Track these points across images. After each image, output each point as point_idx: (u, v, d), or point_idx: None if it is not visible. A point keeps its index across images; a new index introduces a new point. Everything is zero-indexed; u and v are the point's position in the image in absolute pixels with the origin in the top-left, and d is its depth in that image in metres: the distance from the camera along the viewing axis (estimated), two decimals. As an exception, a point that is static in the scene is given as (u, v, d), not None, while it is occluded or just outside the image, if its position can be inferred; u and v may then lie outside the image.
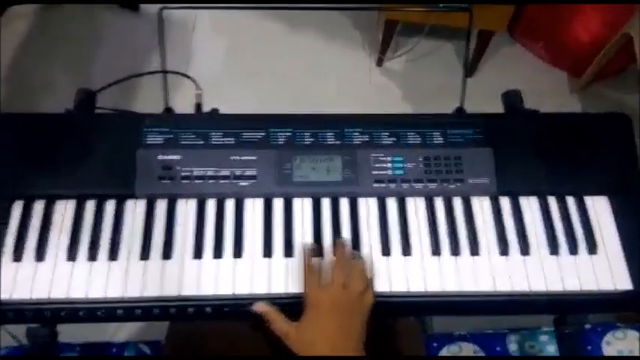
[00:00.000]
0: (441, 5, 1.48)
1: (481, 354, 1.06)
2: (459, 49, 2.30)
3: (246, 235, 0.89)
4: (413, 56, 2.26)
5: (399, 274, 0.87)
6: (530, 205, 0.92)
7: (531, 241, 0.89)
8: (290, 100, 2.10)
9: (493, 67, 2.25)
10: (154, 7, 2.22)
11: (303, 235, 0.89)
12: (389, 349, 1.00)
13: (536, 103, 1.02)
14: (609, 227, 0.91)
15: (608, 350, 1.04)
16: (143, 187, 0.89)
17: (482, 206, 0.92)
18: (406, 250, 0.88)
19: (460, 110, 1.06)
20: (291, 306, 0.83)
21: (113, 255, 0.86)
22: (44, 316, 0.84)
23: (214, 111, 1.02)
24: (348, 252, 0.85)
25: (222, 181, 0.90)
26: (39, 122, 0.92)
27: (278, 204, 0.91)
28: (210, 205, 0.90)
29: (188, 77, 1.11)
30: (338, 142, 0.94)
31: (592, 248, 0.89)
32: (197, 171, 0.90)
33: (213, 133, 0.93)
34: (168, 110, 1.05)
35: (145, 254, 0.86)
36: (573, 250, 0.89)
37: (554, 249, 0.88)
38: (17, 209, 0.88)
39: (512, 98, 1.04)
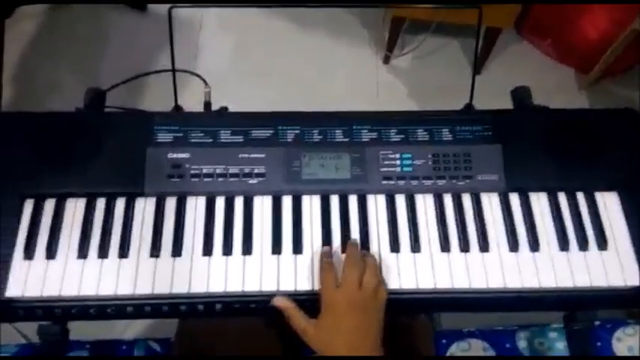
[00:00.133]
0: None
1: (490, 351, 1.06)
2: (465, 46, 2.30)
3: (256, 232, 0.89)
4: (419, 54, 2.26)
5: (408, 271, 0.87)
6: (539, 202, 0.92)
7: (541, 237, 0.89)
8: (297, 98, 2.11)
9: (500, 65, 2.25)
10: (161, 7, 2.22)
11: (312, 232, 0.89)
12: (399, 346, 1.00)
13: (544, 100, 1.02)
14: (619, 223, 0.90)
15: (618, 347, 1.04)
16: (153, 186, 0.90)
17: (491, 203, 0.92)
18: (415, 247, 0.88)
19: (469, 107, 1.06)
20: (301, 302, 0.83)
21: (123, 253, 0.86)
22: (55, 313, 0.84)
23: (223, 109, 1.02)
24: (358, 251, 0.85)
25: (231, 179, 0.91)
26: (49, 121, 0.93)
27: (287, 202, 0.91)
28: (220, 203, 0.91)
29: (197, 75, 1.11)
30: (346, 140, 0.94)
31: (602, 244, 0.88)
32: (206, 169, 0.91)
33: (222, 131, 0.93)
34: (177, 108, 1.05)
35: (154, 252, 0.86)
36: (583, 246, 0.88)
37: (564, 245, 0.88)
38: (28, 208, 0.88)
39: (521, 94, 1.03)
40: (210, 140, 0.93)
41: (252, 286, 0.85)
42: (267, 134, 0.94)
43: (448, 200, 0.92)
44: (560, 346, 1.05)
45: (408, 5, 1.97)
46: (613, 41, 1.96)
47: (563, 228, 0.89)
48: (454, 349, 1.07)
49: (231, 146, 0.92)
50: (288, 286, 0.85)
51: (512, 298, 0.87)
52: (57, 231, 0.87)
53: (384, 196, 0.92)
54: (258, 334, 1.02)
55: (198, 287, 0.85)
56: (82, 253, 0.86)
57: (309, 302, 0.83)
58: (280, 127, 0.94)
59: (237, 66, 2.23)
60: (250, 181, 0.91)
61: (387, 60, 2.25)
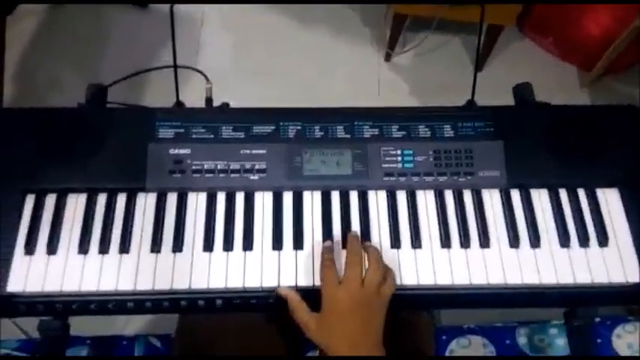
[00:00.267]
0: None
1: (490, 347, 1.06)
2: (467, 43, 2.29)
3: (256, 228, 0.89)
4: (421, 51, 2.26)
5: (409, 267, 0.87)
6: (540, 198, 0.92)
7: (542, 233, 0.89)
8: (299, 96, 2.10)
9: (502, 62, 2.24)
10: (162, 3, 2.22)
11: (312, 228, 0.90)
12: (400, 343, 1.00)
13: (546, 97, 1.02)
14: (620, 220, 0.90)
15: (618, 343, 1.04)
16: (154, 181, 0.90)
17: (492, 199, 0.92)
18: (416, 243, 0.88)
19: (470, 103, 1.06)
20: (302, 297, 0.83)
21: (124, 248, 0.86)
22: (56, 308, 0.84)
23: (225, 105, 1.02)
24: (359, 245, 0.85)
25: (232, 175, 0.91)
26: (51, 117, 0.93)
27: (288, 197, 0.91)
28: (221, 199, 0.91)
29: (198, 71, 1.11)
30: (348, 136, 0.94)
31: (603, 241, 0.88)
32: (207, 165, 0.91)
33: (224, 127, 0.93)
34: (179, 104, 1.05)
35: (155, 247, 0.87)
36: (584, 242, 0.88)
37: (565, 241, 0.88)
38: (29, 203, 0.89)
39: (522, 91, 1.03)
40: (212, 136, 0.93)
41: (252, 281, 0.85)
42: (269, 130, 0.94)
43: (449, 196, 0.92)
44: (561, 343, 1.05)
45: (410, 2, 1.96)
46: (615, 38, 1.96)
47: (564, 224, 0.90)
48: (454, 346, 1.07)
49: (233, 142, 0.92)
50: (288, 281, 0.85)
51: (512, 294, 0.87)
52: (58, 226, 0.87)
53: (385, 192, 0.92)
54: (259, 329, 1.02)
55: (199, 283, 0.85)
56: (83, 248, 0.86)
57: (309, 298, 0.83)
58: (282, 123, 0.94)
59: (239, 63, 2.23)
60: (251, 177, 0.91)
61: (388, 57, 2.25)
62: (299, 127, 0.94)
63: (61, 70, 2.16)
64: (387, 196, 0.92)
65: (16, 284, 0.83)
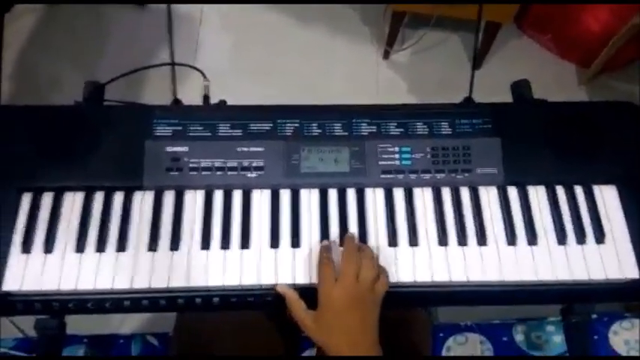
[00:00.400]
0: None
1: (487, 344, 1.06)
2: (465, 40, 2.29)
3: (254, 226, 0.89)
4: (419, 48, 2.26)
5: (406, 265, 0.87)
6: (538, 195, 0.92)
7: (539, 230, 0.89)
8: (297, 94, 2.10)
9: (500, 59, 2.24)
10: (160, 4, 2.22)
11: (310, 226, 0.89)
12: (397, 340, 1.00)
13: (544, 95, 1.02)
14: (617, 216, 0.90)
15: (614, 340, 1.04)
16: (151, 179, 0.90)
17: (489, 196, 0.92)
18: (413, 240, 0.88)
19: (468, 100, 1.06)
20: (299, 295, 0.83)
21: (121, 246, 0.86)
22: (53, 307, 0.84)
23: (222, 102, 1.02)
24: (355, 244, 0.85)
25: (229, 173, 0.90)
26: (48, 114, 0.93)
27: (285, 195, 0.91)
28: (218, 197, 0.91)
29: (195, 69, 1.11)
30: (345, 133, 0.94)
31: (600, 237, 0.88)
32: (205, 162, 0.91)
33: (221, 125, 0.93)
34: (176, 102, 1.05)
35: (152, 245, 0.86)
36: (581, 239, 0.88)
37: (562, 238, 0.88)
38: (26, 201, 0.88)
39: (520, 88, 1.03)
40: (209, 133, 0.92)
41: (250, 279, 0.85)
42: (266, 128, 0.93)
43: (447, 194, 0.92)
44: (557, 340, 1.06)
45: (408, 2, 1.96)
46: (614, 35, 1.96)
47: (561, 221, 0.89)
48: (451, 343, 1.07)
49: (230, 140, 0.92)
50: (286, 279, 0.85)
51: (509, 291, 0.87)
52: (55, 225, 0.87)
53: (382, 189, 0.92)
54: (257, 327, 1.02)
55: (196, 281, 0.85)
56: (80, 246, 0.86)
57: (307, 295, 0.83)
58: (279, 121, 0.94)
59: (237, 62, 2.23)
60: (249, 175, 0.91)
61: (387, 55, 2.25)
62: (296, 125, 0.94)
63: (59, 69, 2.16)
64: (385, 193, 0.92)
65: (12, 283, 0.83)
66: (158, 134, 0.92)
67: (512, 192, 0.92)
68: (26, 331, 1.04)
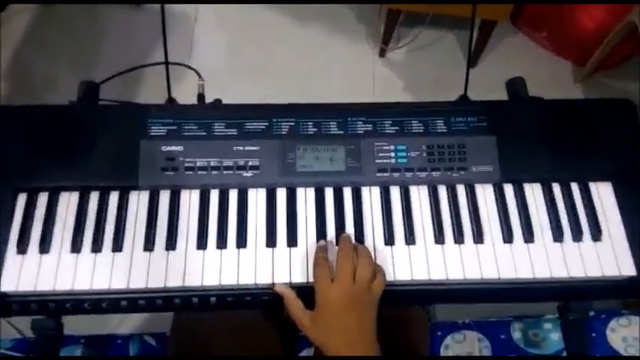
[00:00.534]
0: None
1: (485, 342, 1.06)
2: (461, 38, 2.29)
3: (250, 225, 0.89)
4: (415, 47, 2.26)
5: (402, 263, 0.87)
6: (534, 192, 0.92)
7: (535, 228, 0.89)
8: (293, 93, 2.10)
9: (496, 57, 2.24)
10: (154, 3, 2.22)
11: (306, 225, 0.89)
12: (395, 339, 1.00)
13: (540, 93, 1.02)
14: (613, 213, 0.90)
15: (612, 337, 1.04)
16: (146, 179, 0.89)
17: (486, 194, 0.92)
18: (410, 239, 0.88)
19: (463, 98, 1.06)
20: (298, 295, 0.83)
21: (117, 246, 0.86)
22: (49, 307, 0.84)
23: (217, 101, 1.02)
24: (351, 244, 0.85)
25: (225, 172, 0.90)
26: (42, 114, 0.92)
27: (281, 194, 0.91)
28: (214, 196, 0.90)
29: (190, 68, 1.10)
30: (341, 132, 0.93)
31: (596, 235, 0.89)
32: (200, 162, 0.90)
33: (216, 124, 0.93)
34: (171, 101, 1.05)
35: (148, 245, 0.86)
36: (577, 236, 0.88)
37: (558, 236, 0.88)
38: (21, 202, 0.88)
39: (516, 85, 1.03)
40: (204, 133, 0.92)
41: (246, 279, 0.85)
42: (262, 126, 0.93)
43: (443, 192, 0.92)
44: (555, 337, 1.06)
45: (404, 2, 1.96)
46: (609, 33, 1.96)
47: (557, 219, 0.90)
48: (449, 341, 1.07)
49: (225, 139, 0.92)
50: (282, 278, 0.85)
51: (506, 289, 0.87)
52: (50, 225, 0.87)
53: (378, 188, 0.92)
54: (255, 327, 1.02)
55: (193, 281, 0.84)
56: (76, 247, 0.86)
57: (304, 295, 0.83)
58: (275, 120, 0.94)
59: (232, 61, 2.23)
60: (244, 174, 0.90)
61: (382, 53, 2.25)
62: (292, 124, 0.93)
63: (54, 68, 2.15)
64: (381, 191, 0.92)
65: (8, 284, 0.83)
66: (153, 134, 0.91)
67: (509, 190, 0.92)
68: (24, 332, 1.03)
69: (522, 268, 0.86)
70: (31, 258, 0.85)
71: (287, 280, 0.85)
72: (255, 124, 0.93)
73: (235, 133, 0.92)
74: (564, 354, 1.04)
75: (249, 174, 0.90)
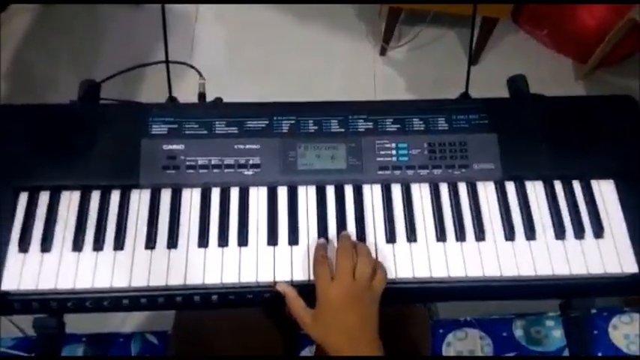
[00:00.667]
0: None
1: (487, 339, 1.06)
2: (462, 36, 2.29)
3: (251, 223, 0.89)
4: (416, 45, 2.25)
5: (404, 261, 0.87)
6: (535, 190, 0.92)
7: (537, 225, 0.89)
8: (293, 91, 2.10)
9: (497, 55, 2.24)
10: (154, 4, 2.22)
11: (307, 223, 0.89)
12: (397, 337, 1.00)
13: (541, 90, 1.02)
14: (616, 211, 0.90)
15: (614, 335, 1.04)
16: (148, 177, 0.89)
17: (487, 191, 0.91)
18: (411, 236, 0.88)
19: (465, 95, 1.06)
20: (298, 292, 0.83)
21: (118, 245, 0.86)
22: (51, 306, 0.84)
23: (218, 100, 1.02)
24: (350, 241, 0.85)
25: (226, 170, 0.90)
26: (43, 113, 0.92)
27: (282, 192, 0.91)
28: (215, 195, 0.90)
29: (191, 66, 1.10)
30: (342, 130, 0.93)
31: (598, 232, 0.88)
32: (201, 160, 0.90)
33: (217, 123, 0.93)
34: (172, 99, 1.05)
35: (150, 244, 0.86)
36: (579, 234, 0.88)
37: (560, 233, 0.88)
38: (22, 201, 0.88)
39: (517, 83, 1.03)
40: (205, 131, 0.92)
41: (248, 277, 0.85)
42: (263, 125, 0.93)
43: (444, 189, 0.92)
44: (557, 334, 1.06)
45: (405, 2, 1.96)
46: (610, 30, 1.96)
47: (559, 216, 0.89)
48: (451, 339, 1.07)
49: (226, 137, 0.92)
50: (284, 276, 0.85)
51: (508, 286, 0.87)
52: (51, 224, 0.87)
53: (380, 186, 0.92)
54: (256, 325, 1.02)
55: (194, 279, 0.84)
56: (77, 245, 0.85)
57: (306, 293, 0.83)
58: (275, 118, 0.94)
59: (233, 60, 2.23)
60: (246, 172, 0.90)
61: (383, 52, 2.25)
62: (293, 122, 0.93)
63: (55, 68, 2.15)
64: (382, 189, 0.91)
65: (10, 282, 0.83)
66: (154, 132, 0.91)
67: (510, 187, 0.92)
68: (25, 331, 1.03)
69: (524, 265, 0.86)
70: (32, 257, 0.85)
71: (288, 278, 0.85)
72: (256, 122, 0.93)
73: (236, 132, 0.92)
74: (566, 351, 1.04)
75: (250, 172, 0.90)
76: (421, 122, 0.94)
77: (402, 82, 2.21)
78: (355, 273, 0.80)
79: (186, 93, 1.10)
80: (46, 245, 0.85)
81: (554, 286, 0.87)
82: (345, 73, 2.21)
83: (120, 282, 0.84)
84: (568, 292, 0.88)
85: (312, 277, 0.84)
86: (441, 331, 1.08)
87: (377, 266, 0.83)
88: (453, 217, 0.89)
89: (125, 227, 0.87)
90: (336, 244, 0.86)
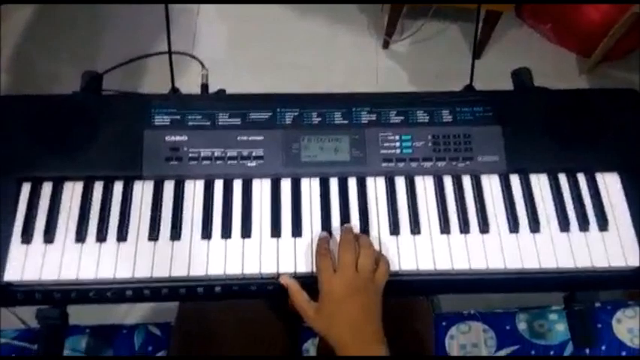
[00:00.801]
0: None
1: (490, 333, 1.06)
2: (464, 30, 2.28)
3: (255, 215, 0.88)
4: (419, 38, 2.24)
5: (408, 253, 0.86)
6: (540, 183, 0.91)
7: (541, 218, 0.88)
8: (296, 84, 2.09)
9: (500, 49, 2.23)
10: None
11: (311, 215, 0.89)
12: (400, 329, 0.99)
13: (544, 84, 1.02)
14: (620, 204, 0.90)
15: (618, 328, 1.04)
16: (150, 169, 0.89)
17: (491, 184, 0.91)
18: (415, 229, 0.88)
19: (469, 88, 1.05)
20: (301, 284, 0.83)
21: (122, 236, 0.86)
22: (54, 297, 0.84)
23: (221, 91, 1.01)
24: (352, 234, 0.85)
25: (229, 162, 0.90)
26: (46, 104, 0.92)
27: (286, 184, 0.91)
28: (218, 186, 0.90)
29: (194, 57, 1.10)
30: (346, 122, 0.93)
31: (603, 225, 0.88)
32: (204, 152, 0.90)
33: (220, 114, 0.92)
34: (174, 91, 1.04)
35: (153, 235, 0.86)
36: (584, 227, 0.88)
37: (564, 226, 0.88)
38: (25, 191, 0.88)
39: (521, 76, 1.02)
40: (208, 123, 0.92)
41: (251, 268, 0.85)
42: (266, 116, 0.93)
43: (448, 182, 0.92)
44: (561, 328, 1.05)
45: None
46: (614, 25, 1.95)
47: (563, 209, 0.89)
48: (454, 332, 1.07)
49: (230, 129, 0.92)
50: (287, 268, 0.85)
51: (512, 279, 0.87)
52: (54, 215, 0.87)
53: (383, 178, 0.91)
54: (259, 317, 1.01)
55: (198, 270, 0.84)
56: (80, 236, 0.85)
57: (309, 285, 0.83)
58: (279, 110, 0.93)
59: (235, 53, 2.22)
60: (249, 164, 0.90)
61: (386, 45, 2.24)
62: (296, 113, 0.93)
63: (57, 61, 2.15)
64: (386, 182, 0.91)
65: (13, 273, 0.83)
66: (157, 124, 0.91)
67: (515, 180, 0.92)
68: (27, 322, 1.03)
69: (528, 258, 0.86)
70: (35, 248, 0.85)
71: (292, 270, 0.85)
72: (259, 114, 0.93)
73: (239, 123, 0.92)
74: (570, 345, 1.04)
75: (253, 164, 0.90)
76: (425, 114, 0.94)
77: (405, 76, 2.21)
78: (357, 265, 0.80)
79: (188, 85, 1.09)
80: (49, 236, 0.85)
81: (559, 279, 0.87)
82: (347, 66, 2.20)
83: (123, 273, 0.84)
84: (572, 285, 0.88)
85: (315, 270, 0.83)
86: (444, 324, 1.08)
87: (379, 258, 0.83)
88: (457, 209, 0.89)
89: (128, 218, 0.87)
90: (339, 237, 0.86)
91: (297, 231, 0.87)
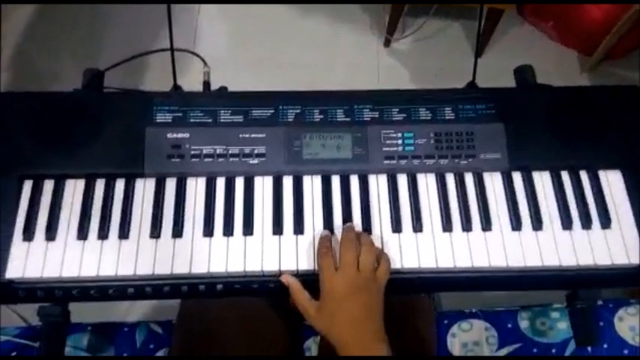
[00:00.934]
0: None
1: (492, 331, 1.06)
2: (466, 28, 2.28)
3: (256, 213, 0.88)
4: (420, 36, 2.24)
5: (410, 251, 0.86)
6: (542, 180, 0.91)
7: (544, 216, 0.88)
8: (297, 82, 2.07)
9: (502, 47, 2.22)
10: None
11: (313, 213, 0.89)
12: (401, 327, 0.99)
13: (546, 82, 1.01)
14: (623, 201, 0.90)
15: (620, 326, 1.04)
16: (152, 166, 0.89)
17: (494, 182, 0.91)
18: (417, 226, 0.88)
19: (471, 85, 1.05)
20: (302, 282, 0.83)
21: (123, 234, 0.86)
22: (56, 294, 0.84)
23: (223, 89, 1.01)
24: (354, 233, 0.85)
25: (231, 160, 0.90)
26: (48, 101, 0.92)
27: (288, 182, 0.91)
28: (220, 184, 0.90)
29: (195, 54, 1.10)
30: (348, 119, 0.93)
31: (605, 223, 0.88)
32: (206, 149, 0.90)
33: (222, 111, 0.92)
34: (176, 88, 1.04)
35: (155, 233, 0.86)
36: (586, 224, 0.88)
37: (567, 224, 0.88)
38: (27, 188, 0.88)
39: (524, 73, 1.02)
40: (210, 120, 0.92)
41: (253, 266, 0.85)
42: (268, 114, 0.93)
43: (450, 179, 0.91)
44: (562, 326, 1.05)
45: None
46: (616, 23, 1.94)
47: (566, 206, 0.89)
48: (456, 330, 1.07)
49: (231, 126, 0.91)
50: (289, 266, 0.85)
51: (514, 277, 0.87)
52: (56, 212, 0.86)
53: (385, 175, 0.91)
54: (261, 315, 1.01)
55: (199, 268, 0.84)
56: (82, 234, 0.85)
57: (310, 283, 0.83)
58: (281, 107, 0.93)
59: (236, 50, 2.21)
60: (251, 162, 0.90)
61: (387, 43, 2.24)
62: (298, 111, 0.93)
63: (58, 59, 2.14)
64: (388, 179, 0.91)
65: (14, 271, 0.83)
66: (159, 121, 0.91)
67: (517, 177, 0.91)
68: (28, 320, 1.03)
69: (531, 256, 0.86)
70: (37, 245, 0.84)
71: (294, 268, 0.85)
72: (261, 111, 0.93)
73: (241, 121, 0.92)
74: (572, 343, 1.03)
75: (255, 161, 0.90)
76: (428, 112, 0.93)
77: (406, 74, 2.20)
78: (359, 264, 0.80)
79: (189, 83, 1.09)
80: (50, 234, 0.85)
81: (561, 277, 0.87)
82: (348, 64, 2.20)
83: (125, 270, 0.83)
84: (574, 282, 0.88)
85: (317, 267, 0.83)
86: (445, 322, 1.08)
87: (381, 256, 0.83)
88: (460, 207, 0.89)
89: (130, 216, 0.87)
90: (340, 235, 0.86)
91: (299, 228, 0.87)
